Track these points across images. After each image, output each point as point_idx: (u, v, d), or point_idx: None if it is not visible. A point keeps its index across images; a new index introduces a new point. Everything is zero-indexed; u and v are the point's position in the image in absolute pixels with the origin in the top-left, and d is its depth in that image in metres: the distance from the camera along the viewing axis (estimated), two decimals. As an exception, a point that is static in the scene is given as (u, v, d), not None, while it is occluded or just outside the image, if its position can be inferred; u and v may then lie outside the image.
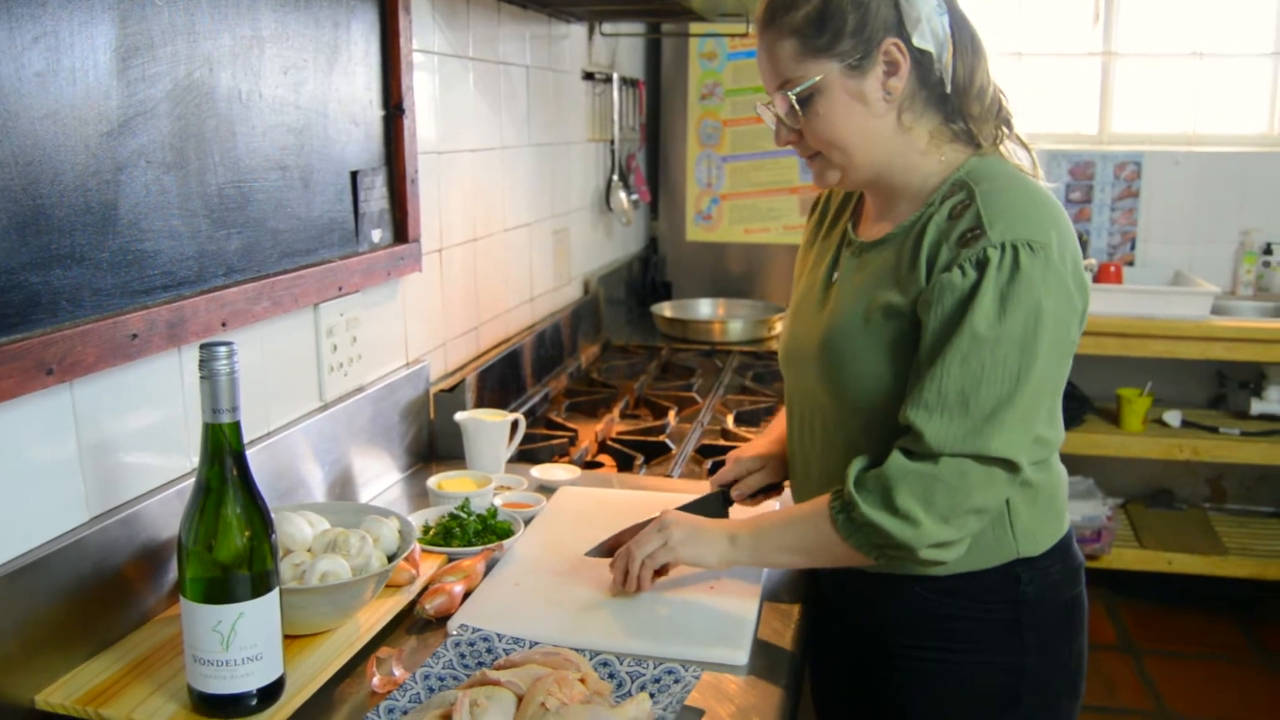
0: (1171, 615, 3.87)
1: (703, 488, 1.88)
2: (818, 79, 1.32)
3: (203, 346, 1.09)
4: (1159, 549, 3.85)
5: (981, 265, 1.24)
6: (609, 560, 1.51)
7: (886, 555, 1.31)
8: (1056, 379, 1.31)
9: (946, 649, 1.41)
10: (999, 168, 1.34)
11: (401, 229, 1.91)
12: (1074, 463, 3.99)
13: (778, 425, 1.71)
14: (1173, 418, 3.93)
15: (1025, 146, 1.41)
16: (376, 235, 1.84)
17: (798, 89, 1.33)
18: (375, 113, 1.82)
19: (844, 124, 1.34)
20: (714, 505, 1.63)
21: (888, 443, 1.32)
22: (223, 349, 1.09)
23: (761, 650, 1.35)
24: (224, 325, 1.43)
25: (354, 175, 1.76)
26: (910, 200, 1.38)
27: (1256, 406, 3.89)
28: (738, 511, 1.64)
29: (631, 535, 1.55)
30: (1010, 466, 1.28)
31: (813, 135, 1.36)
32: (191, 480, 1.14)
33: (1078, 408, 3.95)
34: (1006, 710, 1.42)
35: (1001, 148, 1.39)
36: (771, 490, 1.66)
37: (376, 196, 1.83)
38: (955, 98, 1.35)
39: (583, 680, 1.16)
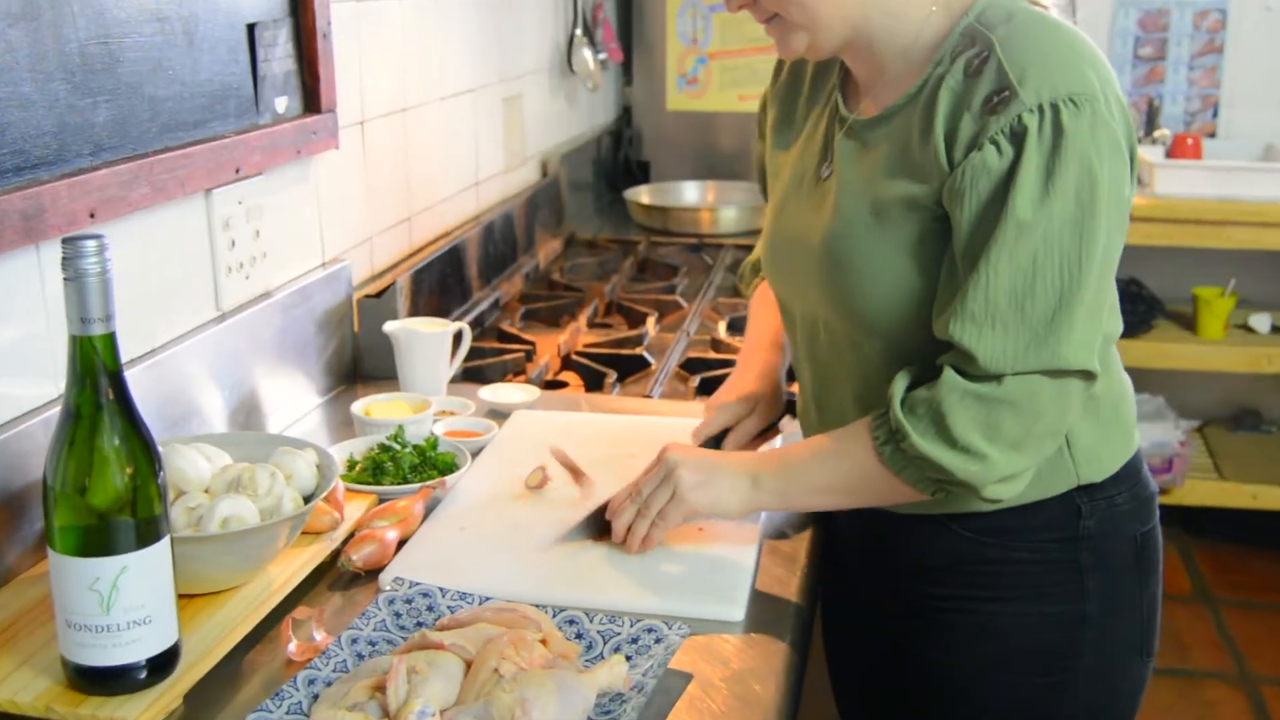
0: (1255, 559, 3.94)
1: (691, 409, 1.88)
2: None
3: (65, 242, 1.07)
4: (1241, 480, 3.90)
5: (1018, 137, 1.23)
6: (579, 495, 1.52)
7: (946, 491, 1.32)
8: (1116, 256, 1.31)
9: (990, 599, 1.43)
10: (1012, 6, 1.31)
11: (312, 96, 1.88)
12: (1141, 377, 4.00)
13: (759, 352, 1.70)
14: (1260, 322, 3.95)
15: None
16: (281, 104, 1.81)
17: None
18: (275, -52, 1.78)
19: None
20: None
21: (916, 366, 1.32)
22: (90, 244, 1.07)
23: (761, 603, 1.37)
24: (92, 216, 1.41)
25: (251, 29, 1.72)
26: (904, 61, 1.36)
27: (1361, 307, 3.92)
28: None
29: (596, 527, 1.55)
30: (1085, 375, 1.29)
31: None
32: (58, 408, 1.13)
33: (1145, 311, 3.97)
34: (1063, 671, 1.44)
35: None
36: (768, 432, 1.66)
37: (280, 55, 1.80)
38: None
39: (544, 641, 1.17)
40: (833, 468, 1.37)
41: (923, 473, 1.30)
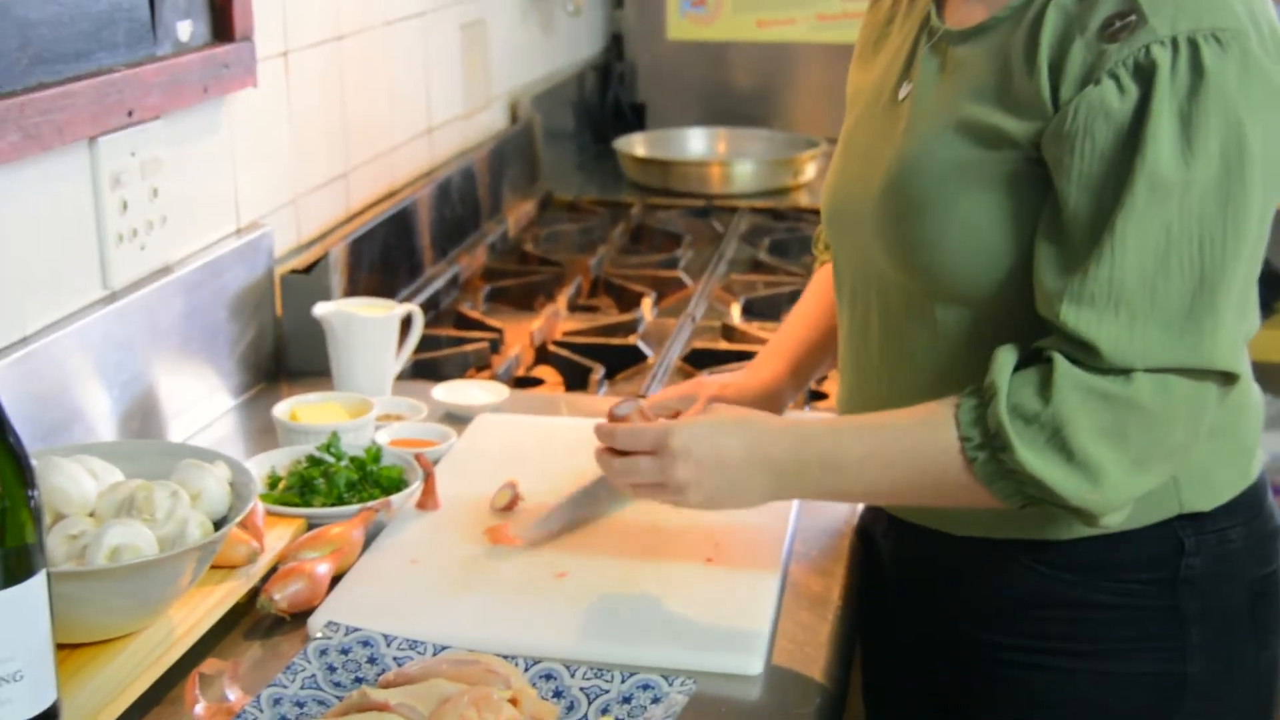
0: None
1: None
2: None
3: (-87, 200, 1.07)
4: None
5: (1146, 73, 1.23)
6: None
7: (1039, 506, 1.31)
8: (1267, 235, 1.30)
9: (1066, 653, 1.43)
10: None
11: (224, 20, 1.88)
12: (1265, 374, 3.99)
13: (791, 333, 1.70)
14: None
15: None
16: (184, 30, 1.81)
17: None
18: None
19: None
20: None
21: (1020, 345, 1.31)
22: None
23: (784, 653, 1.37)
24: (-52, 170, 1.41)
25: (146, -65, 1.72)
26: None
27: None
28: None
29: (589, 505, 1.56)
30: (1226, 378, 1.28)
31: None
32: (-96, 409, 1.12)
33: (1268, 292, 3.96)
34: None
35: None
36: None
37: (183, -31, 1.80)
38: None
39: (514, 701, 1.17)
40: (895, 473, 1.34)
41: (1021, 488, 1.28)
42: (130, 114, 1.70)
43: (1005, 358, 1.28)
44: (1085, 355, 1.25)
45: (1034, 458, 1.24)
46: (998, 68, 1.33)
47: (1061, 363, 1.25)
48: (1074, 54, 1.26)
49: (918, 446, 1.32)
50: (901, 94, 1.44)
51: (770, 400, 1.62)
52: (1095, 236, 1.24)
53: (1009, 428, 1.25)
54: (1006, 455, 1.26)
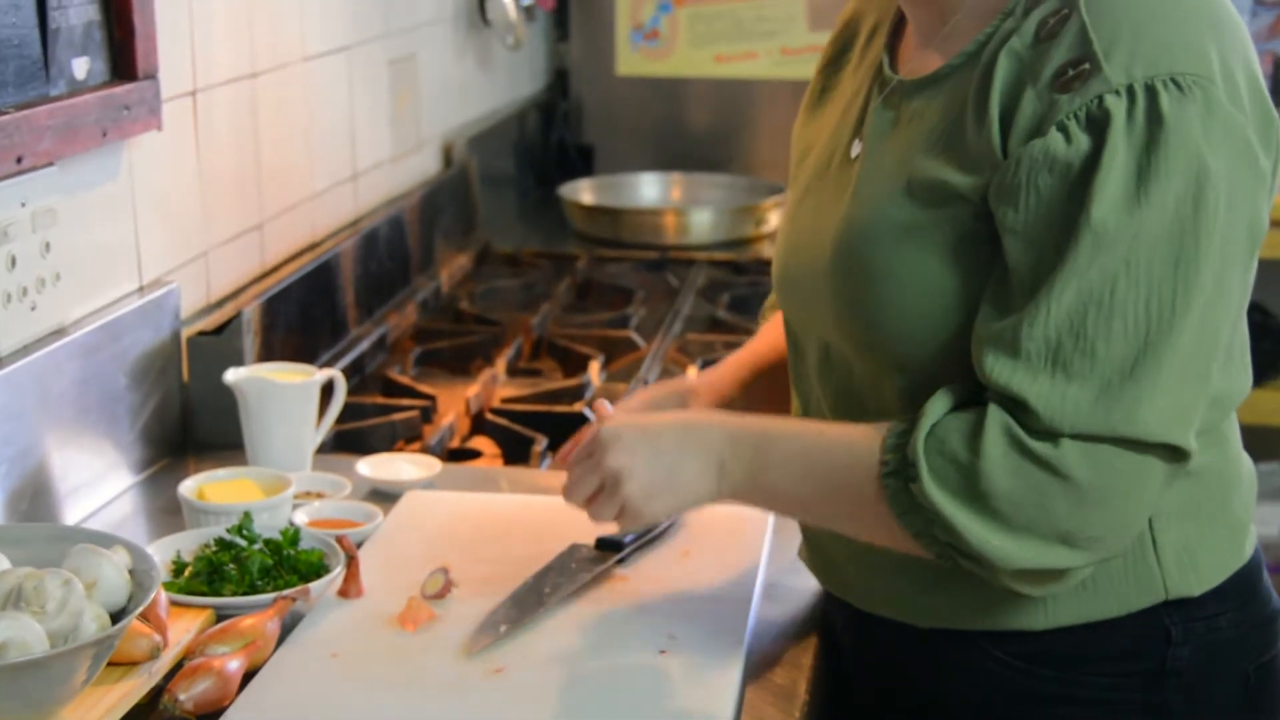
0: None
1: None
2: None
3: None
4: (1403, 579, 3.93)
5: (1098, 124, 1.25)
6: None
7: (951, 559, 1.32)
8: (1238, 296, 1.32)
9: (1041, 753, 1.45)
10: None
11: (125, 57, 1.89)
12: (1263, 439, 4.05)
13: (734, 360, 1.73)
14: None
15: None
16: (81, 67, 1.82)
17: None
18: None
19: None
20: None
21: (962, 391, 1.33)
22: None
23: (747, 756, 1.37)
24: None
25: (39, -36, 1.73)
26: (972, 9, 1.38)
27: None
28: None
29: (534, 601, 1.56)
30: (1173, 453, 1.29)
31: None
32: None
33: (1272, 348, 4.01)
34: None
35: None
36: None
37: (79, 1, 1.80)
38: None
39: (446, 813, 1.16)
40: (820, 481, 1.39)
41: (929, 527, 1.30)
42: (19, 160, 1.69)
43: (943, 394, 1.32)
44: (1020, 413, 1.27)
45: (939, 493, 1.28)
46: (950, 119, 1.36)
47: (995, 412, 1.27)
48: (1025, 104, 1.29)
49: (840, 461, 1.37)
50: (854, 152, 1.46)
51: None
52: (1034, 289, 1.27)
53: (923, 459, 1.28)
54: (915, 487, 1.29)
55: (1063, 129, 1.26)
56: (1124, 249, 1.24)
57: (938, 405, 1.31)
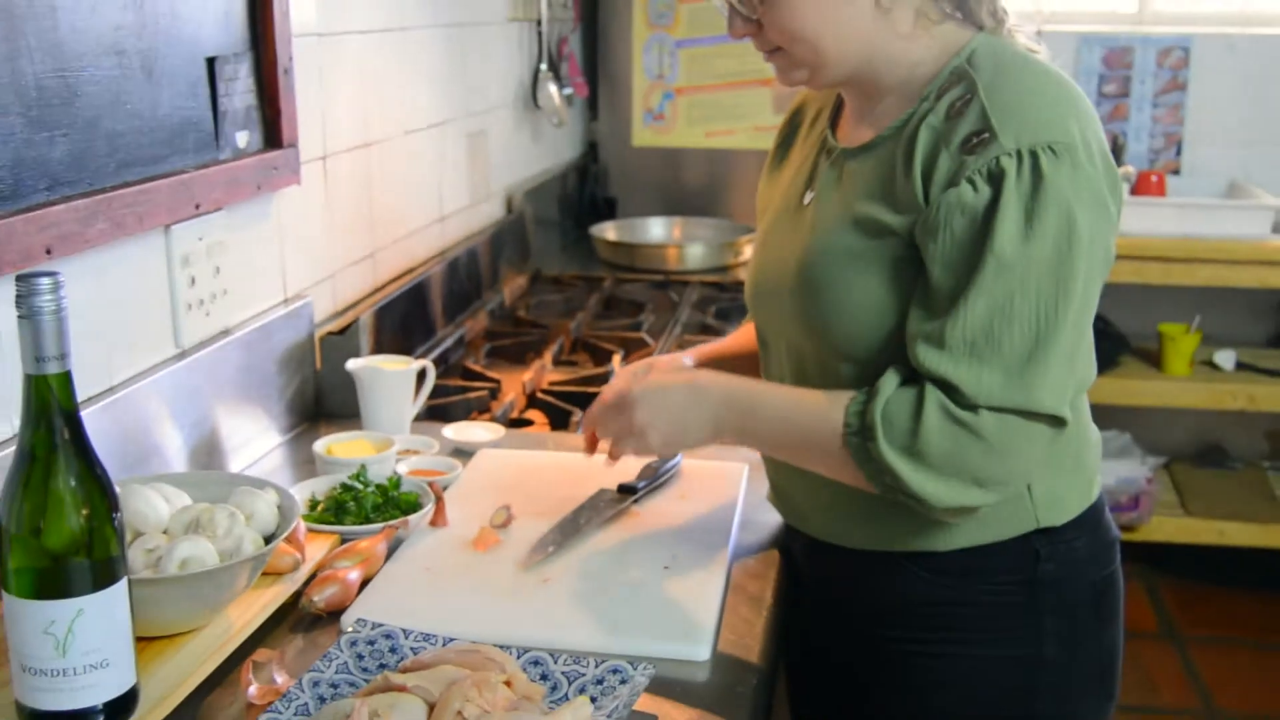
0: (1222, 596, 3.96)
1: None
2: None
3: (20, 279, 1.07)
4: (1208, 517, 3.92)
5: (996, 178, 1.26)
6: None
7: (895, 496, 1.33)
8: (1093, 304, 1.33)
9: (947, 641, 1.44)
10: (1004, 50, 1.35)
11: (274, 131, 1.89)
12: (1107, 414, 4.04)
13: (742, 333, 1.73)
14: (1225, 359, 3.99)
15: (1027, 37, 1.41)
16: (242, 139, 1.82)
17: None
18: (237, -17, 1.79)
19: (810, 10, 1.33)
20: None
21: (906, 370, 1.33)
22: (46, 281, 1.07)
23: (728, 643, 1.37)
24: (49, 253, 1.40)
25: (211, 63, 1.73)
26: (896, 96, 1.39)
27: (1325, 343, 3.96)
28: None
29: (573, 530, 1.56)
30: (1055, 421, 1.30)
31: (773, 25, 1.36)
32: (12, 449, 1.12)
33: (1111, 347, 4.00)
34: (1020, 713, 1.45)
35: (1004, 30, 1.39)
36: None
37: (241, 90, 1.80)
38: None
39: (508, 683, 1.16)
40: (797, 435, 1.38)
41: (879, 476, 1.31)
42: (198, 206, 1.70)
43: (892, 374, 1.32)
44: (948, 391, 1.28)
45: (891, 453, 1.29)
46: (882, 175, 1.36)
47: (931, 391, 1.28)
48: (940, 164, 1.30)
49: (812, 420, 1.36)
50: (806, 200, 1.46)
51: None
52: (953, 300, 1.27)
53: (878, 426, 1.29)
54: (872, 446, 1.30)
55: (970, 181, 1.27)
56: (1019, 271, 1.25)
57: (889, 384, 1.31)
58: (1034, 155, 1.25)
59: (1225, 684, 3.48)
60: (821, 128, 1.51)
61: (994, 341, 1.26)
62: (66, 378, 1.09)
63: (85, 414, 1.12)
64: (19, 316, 1.07)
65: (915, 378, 1.31)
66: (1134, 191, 3.92)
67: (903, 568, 1.44)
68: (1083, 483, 1.46)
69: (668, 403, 1.42)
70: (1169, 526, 3.91)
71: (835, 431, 1.33)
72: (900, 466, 1.28)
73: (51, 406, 1.09)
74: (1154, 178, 3.95)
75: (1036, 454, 1.31)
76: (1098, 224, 1.28)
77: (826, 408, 1.35)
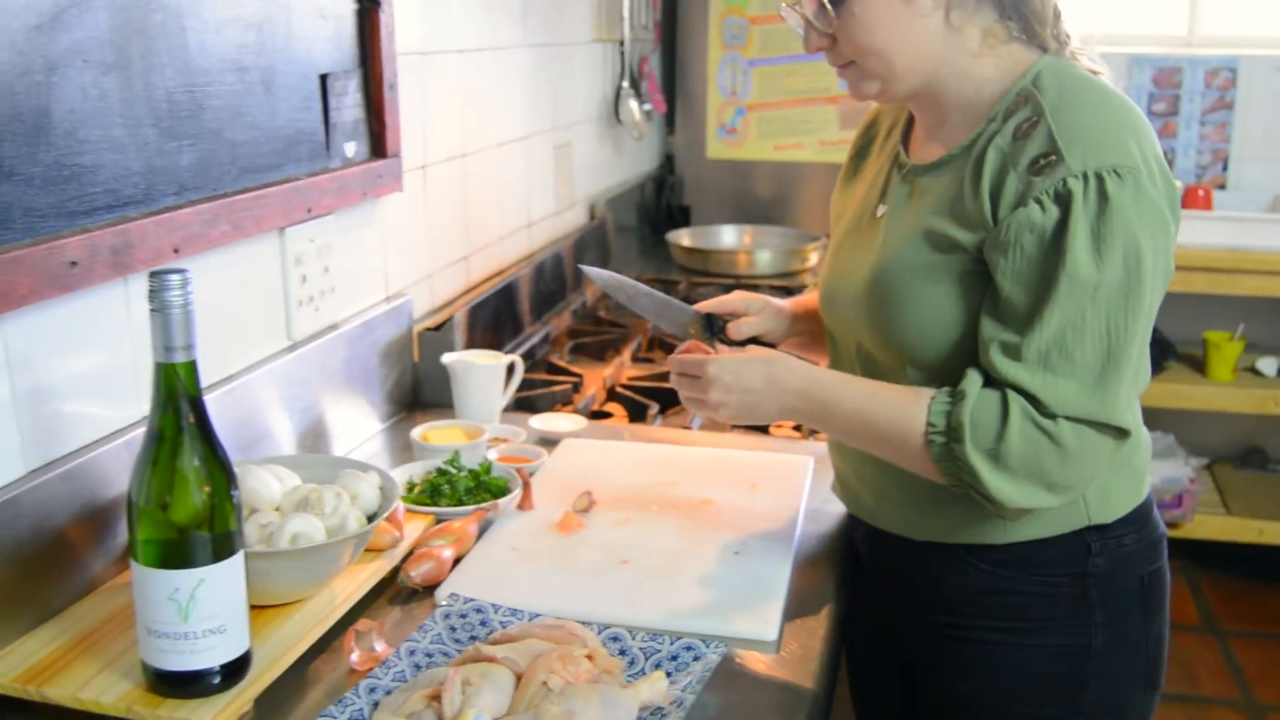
0: (1261, 592, 3.88)
1: (726, 440, 1.89)
2: None
3: (152, 275, 1.09)
4: (1248, 516, 3.85)
5: (1064, 199, 1.23)
6: (622, 519, 1.52)
7: (966, 491, 1.31)
8: (1154, 317, 1.30)
9: (1001, 630, 1.42)
10: (1068, 73, 1.32)
11: (379, 142, 1.90)
12: (1153, 417, 3.96)
13: (807, 297, 1.68)
14: (1268, 365, 3.92)
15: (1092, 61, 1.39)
16: (350, 149, 1.83)
17: None
18: (347, 6, 1.80)
19: (883, 25, 1.32)
20: (689, 329, 1.57)
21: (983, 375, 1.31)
22: (175, 278, 1.09)
23: (794, 625, 1.36)
24: (176, 252, 1.42)
25: (323, 79, 1.74)
26: (964, 114, 1.37)
27: (1365, 352, 3.88)
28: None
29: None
30: (1123, 433, 1.28)
31: (847, 40, 1.34)
32: (142, 430, 1.14)
33: (1158, 353, 3.94)
34: (1069, 701, 1.42)
35: (1067, 52, 1.37)
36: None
37: (350, 104, 1.82)
38: None
39: (589, 657, 1.17)
40: (874, 430, 1.34)
41: (957, 474, 1.29)
42: (309, 211, 1.72)
43: (975, 377, 1.29)
44: (1028, 399, 1.26)
45: (975, 456, 1.26)
46: (952, 192, 1.34)
47: (1015, 397, 1.26)
48: (1009, 184, 1.27)
49: (893, 417, 1.33)
50: (879, 213, 1.44)
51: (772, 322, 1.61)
52: (1028, 315, 1.25)
53: (966, 428, 1.27)
54: (957, 447, 1.27)
55: (1039, 201, 1.24)
56: (1091, 290, 1.23)
57: (974, 383, 1.28)
58: (1100, 178, 1.23)
59: (1264, 676, 3.41)
60: (894, 143, 1.49)
61: (1067, 354, 1.24)
62: (192, 366, 1.11)
63: (207, 399, 1.13)
64: (150, 310, 1.09)
65: (992, 382, 1.29)
66: (1182, 205, 3.85)
67: (961, 559, 1.42)
68: (1133, 482, 1.44)
69: (741, 385, 1.38)
70: (1211, 525, 3.85)
71: (916, 430, 1.30)
72: (981, 467, 1.26)
73: (179, 392, 1.11)
74: (1201, 192, 3.89)
75: (1104, 462, 1.29)
76: (1159, 243, 1.26)
77: (906, 406, 1.32)
